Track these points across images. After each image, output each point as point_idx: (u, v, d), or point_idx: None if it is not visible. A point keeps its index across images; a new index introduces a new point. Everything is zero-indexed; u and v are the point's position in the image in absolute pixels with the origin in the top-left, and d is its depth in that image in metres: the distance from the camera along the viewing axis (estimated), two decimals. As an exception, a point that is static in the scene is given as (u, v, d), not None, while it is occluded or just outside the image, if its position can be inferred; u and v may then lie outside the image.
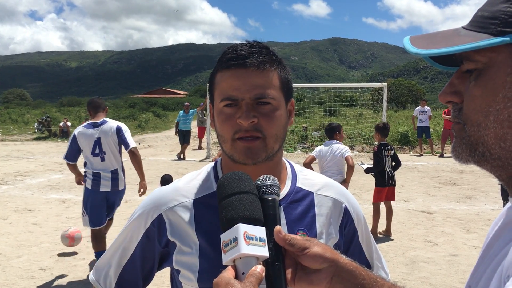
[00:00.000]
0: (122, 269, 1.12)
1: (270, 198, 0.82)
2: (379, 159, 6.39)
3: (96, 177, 4.74)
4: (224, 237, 0.75)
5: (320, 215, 1.10)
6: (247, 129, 0.97)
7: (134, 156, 4.85)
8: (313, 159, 5.76)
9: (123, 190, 5.00)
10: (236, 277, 0.71)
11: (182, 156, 14.58)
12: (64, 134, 22.17)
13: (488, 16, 0.61)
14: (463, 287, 0.72)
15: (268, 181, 0.85)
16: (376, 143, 6.78)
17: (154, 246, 1.09)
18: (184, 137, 14.77)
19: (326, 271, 0.76)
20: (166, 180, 6.13)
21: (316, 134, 18.44)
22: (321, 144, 6.40)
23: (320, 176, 1.19)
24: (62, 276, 4.82)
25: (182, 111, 15.20)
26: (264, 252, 0.73)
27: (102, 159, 4.74)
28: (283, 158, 1.14)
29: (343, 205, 1.15)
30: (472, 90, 0.64)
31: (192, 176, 1.14)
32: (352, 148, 16.70)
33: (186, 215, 1.06)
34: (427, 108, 15.32)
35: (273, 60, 1.02)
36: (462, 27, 0.66)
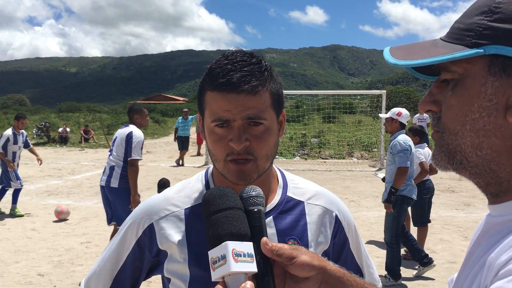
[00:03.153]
0: (113, 280, 1.11)
1: (256, 210, 0.82)
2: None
3: (103, 170, 5.24)
4: (212, 253, 0.76)
5: (311, 224, 1.11)
6: (239, 152, 0.97)
7: (132, 167, 5.02)
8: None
9: (119, 192, 5.03)
10: None
11: (180, 162, 14.59)
12: (63, 139, 22.07)
13: (463, 28, 0.63)
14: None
15: (253, 192, 0.85)
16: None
17: (144, 255, 1.09)
18: (183, 143, 14.80)
19: (314, 279, 0.77)
20: (164, 183, 6.15)
21: (315, 141, 18.45)
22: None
23: (311, 184, 1.20)
24: (60, 282, 4.81)
25: (181, 117, 15.21)
26: (252, 267, 0.74)
27: (110, 155, 5.19)
28: (274, 166, 1.14)
29: (334, 213, 1.16)
30: (449, 100, 0.65)
31: (183, 186, 1.14)
32: (351, 155, 16.74)
33: (177, 225, 1.06)
34: (425, 115, 15.37)
35: (265, 79, 0.99)
36: (440, 38, 0.68)
